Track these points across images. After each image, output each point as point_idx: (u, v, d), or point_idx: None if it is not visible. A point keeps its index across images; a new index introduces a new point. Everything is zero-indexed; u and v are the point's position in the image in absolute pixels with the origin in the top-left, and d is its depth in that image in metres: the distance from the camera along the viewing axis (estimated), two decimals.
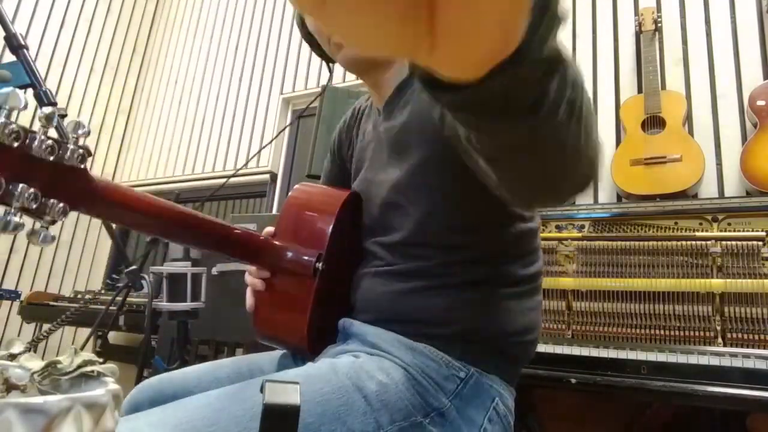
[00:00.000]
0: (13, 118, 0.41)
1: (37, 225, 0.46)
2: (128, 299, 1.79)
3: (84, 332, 3.24)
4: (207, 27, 3.78)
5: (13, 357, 0.31)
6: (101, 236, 3.59)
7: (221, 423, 0.58)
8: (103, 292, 2.38)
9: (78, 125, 0.46)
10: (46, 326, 1.87)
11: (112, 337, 2.75)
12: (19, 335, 3.13)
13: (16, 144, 0.41)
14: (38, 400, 0.20)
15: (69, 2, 3.50)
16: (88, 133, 0.48)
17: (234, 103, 3.40)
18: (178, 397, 0.77)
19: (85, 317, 2.54)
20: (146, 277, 1.29)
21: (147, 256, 1.61)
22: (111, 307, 1.49)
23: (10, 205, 0.42)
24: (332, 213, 0.81)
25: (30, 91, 0.94)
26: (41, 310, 2.50)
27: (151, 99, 3.92)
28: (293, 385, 0.45)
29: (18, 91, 0.42)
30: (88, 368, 0.30)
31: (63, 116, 0.99)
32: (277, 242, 0.82)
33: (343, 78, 2.90)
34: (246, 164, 3.18)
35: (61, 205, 0.46)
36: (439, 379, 0.70)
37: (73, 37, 3.53)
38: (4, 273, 3.10)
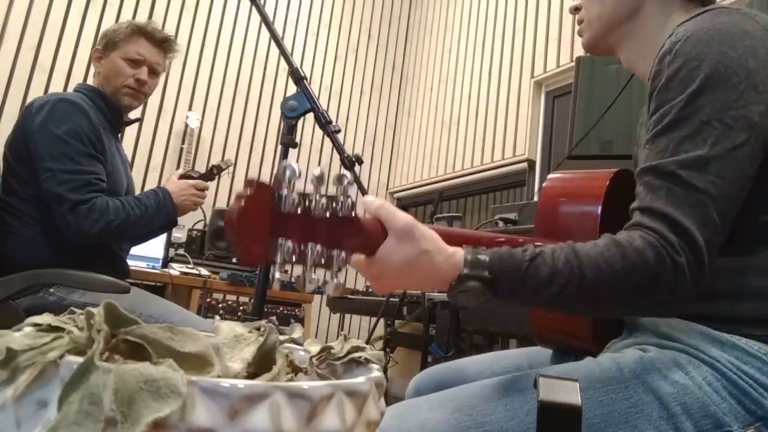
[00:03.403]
0: (294, 185, 0.46)
1: (328, 275, 0.49)
2: (408, 290, 1.94)
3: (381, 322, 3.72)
4: (454, 30, 3.91)
5: (294, 341, 0.34)
6: None
7: (497, 413, 0.59)
8: None
9: (342, 178, 0.48)
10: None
11: (401, 326, 3.06)
12: (328, 323, 3.78)
13: (299, 210, 0.46)
14: (303, 385, 0.21)
15: (339, 37, 4.08)
16: (352, 183, 0.50)
17: (486, 97, 3.43)
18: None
19: (377, 308, 2.87)
20: None
21: None
22: (392, 299, 1.64)
23: (306, 265, 0.47)
24: (596, 206, 0.69)
25: (311, 115, 1.11)
26: (342, 302, 2.94)
27: (412, 110, 4.26)
28: (571, 383, 0.41)
29: (293, 164, 0.46)
30: (356, 354, 0.31)
31: (337, 131, 1.14)
32: (537, 243, 0.75)
33: None
34: (502, 155, 3.17)
35: (344, 254, 0.49)
36: (765, 380, 0.56)
37: (345, 66, 4.10)
38: None
